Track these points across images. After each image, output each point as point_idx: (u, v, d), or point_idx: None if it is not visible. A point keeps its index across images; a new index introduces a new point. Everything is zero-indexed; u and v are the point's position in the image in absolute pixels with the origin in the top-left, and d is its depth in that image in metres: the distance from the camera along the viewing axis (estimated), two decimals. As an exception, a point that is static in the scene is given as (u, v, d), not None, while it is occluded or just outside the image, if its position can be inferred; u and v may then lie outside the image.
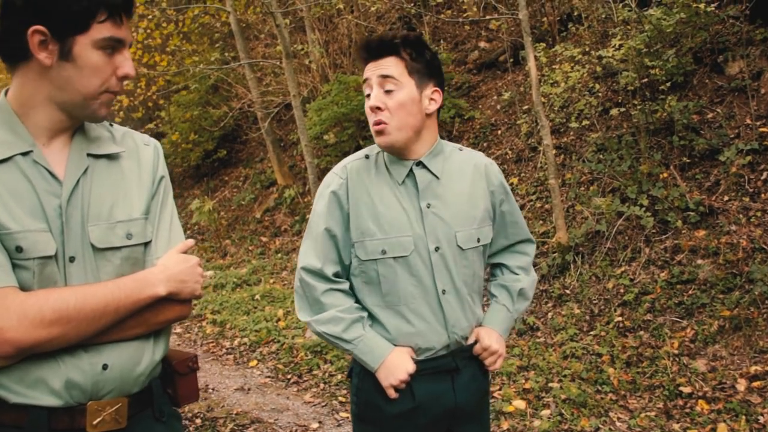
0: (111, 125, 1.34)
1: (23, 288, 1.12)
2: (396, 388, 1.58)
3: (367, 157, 1.68)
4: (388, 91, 1.57)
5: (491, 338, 1.67)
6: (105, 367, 1.18)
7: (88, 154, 1.24)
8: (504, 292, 1.77)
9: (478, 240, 1.65)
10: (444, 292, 1.60)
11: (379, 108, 1.56)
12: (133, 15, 1.22)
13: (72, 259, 1.17)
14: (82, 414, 1.16)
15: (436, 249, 1.59)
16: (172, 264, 1.26)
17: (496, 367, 1.70)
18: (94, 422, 1.17)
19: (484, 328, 1.70)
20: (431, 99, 1.62)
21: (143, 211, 1.28)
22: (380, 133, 1.57)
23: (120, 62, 1.20)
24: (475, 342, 1.67)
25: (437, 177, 1.63)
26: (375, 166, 1.65)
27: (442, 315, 1.60)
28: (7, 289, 1.09)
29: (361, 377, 1.65)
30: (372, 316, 1.62)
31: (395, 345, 1.59)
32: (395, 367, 1.56)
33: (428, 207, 1.60)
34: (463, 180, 1.67)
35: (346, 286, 1.63)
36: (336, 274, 1.62)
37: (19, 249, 1.11)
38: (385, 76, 1.57)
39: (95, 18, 1.14)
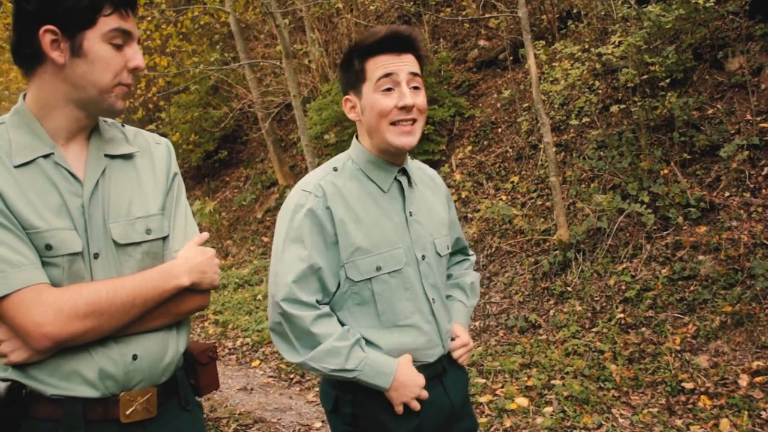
0: (123, 126, 1.39)
1: (53, 284, 1.17)
2: (406, 405, 1.49)
3: (335, 169, 1.54)
4: (415, 89, 1.49)
5: (466, 334, 1.68)
6: (135, 357, 1.23)
7: (105, 155, 1.29)
8: (458, 290, 1.77)
9: (448, 246, 1.66)
10: (434, 300, 1.56)
11: (412, 107, 1.47)
12: (137, 11, 1.28)
13: (96, 256, 1.22)
14: (115, 404, 1.21)
15: (423, 257, 1.55)
16: (192, 256, 1.31)
17: (465, 361, 1.68)
18: (127, 412, 1.22)
19: (455, 325, 1.69)
20: None
21: (160, 206, 1.34)
22: (410, 133, 1.48)
23: (130, 55, 1.24)
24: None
25: (412, 184, 1.60)
26: (350, 178, 1.53)
27: (436, 325, 1.57)
28: (41, 285, 1.14)
29: (358, 405, 1.52)
30: (365, 340, 1.50)
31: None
32: (409, 380, 1.47)
33: (411, 215, 1.56)
34: (427, 188, 1.66)
35: (328, 308, 1.50)
36: (318, 301, 1.48)
37: (48, 247, 1.17)
38: (415, 74, 1.48)
39: (101, 12, 1.19)
